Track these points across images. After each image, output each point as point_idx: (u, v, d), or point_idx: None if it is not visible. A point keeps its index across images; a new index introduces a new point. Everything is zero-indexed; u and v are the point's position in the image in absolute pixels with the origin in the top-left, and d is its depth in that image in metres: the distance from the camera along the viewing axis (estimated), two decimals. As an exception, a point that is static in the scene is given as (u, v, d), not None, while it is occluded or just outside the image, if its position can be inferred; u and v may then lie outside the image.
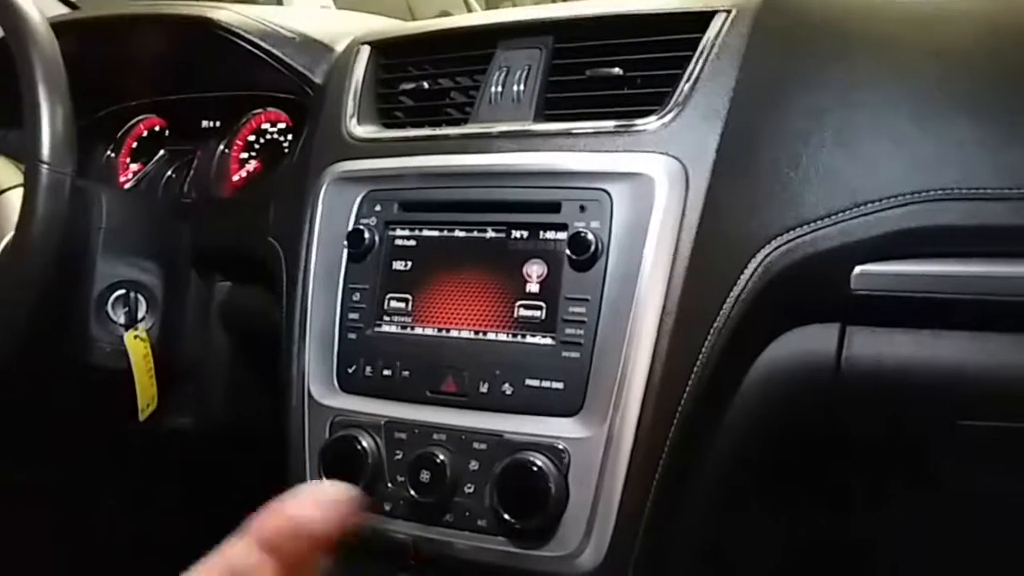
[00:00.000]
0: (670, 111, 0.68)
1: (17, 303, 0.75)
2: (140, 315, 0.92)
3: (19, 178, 0.82)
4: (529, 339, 0.68)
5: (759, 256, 0.64)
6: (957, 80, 0.65)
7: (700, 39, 0.69)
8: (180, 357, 0.97)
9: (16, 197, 0.80)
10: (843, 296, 0.63)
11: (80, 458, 1.17)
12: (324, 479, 0.70)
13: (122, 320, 0.91)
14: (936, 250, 0.62)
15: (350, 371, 0.74)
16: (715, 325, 0.64)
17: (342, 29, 0.93)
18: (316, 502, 0.28)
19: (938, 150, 0.62)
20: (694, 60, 0.69)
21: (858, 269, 0.63)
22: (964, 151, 0.61)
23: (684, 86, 0.68)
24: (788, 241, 0.63)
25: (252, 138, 1.06)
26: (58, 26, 0.81)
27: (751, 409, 0.67)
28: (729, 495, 0.71)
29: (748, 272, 0.64)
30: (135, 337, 0.90)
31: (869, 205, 0.62)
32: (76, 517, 1.20)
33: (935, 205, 0.61)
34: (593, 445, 0.64)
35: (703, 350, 0.64)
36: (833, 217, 0.63)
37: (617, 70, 0.73)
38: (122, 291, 0.91)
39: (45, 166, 0.74)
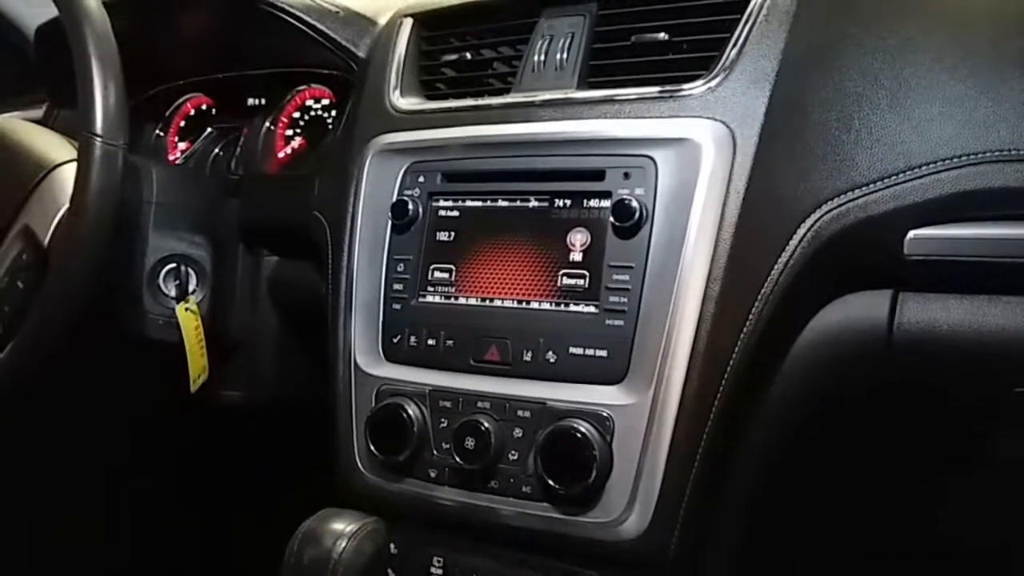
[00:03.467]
0: (717, 75, 0.67)
1: (73, 273, 0.77)
2: (191, 288, 0.94)
3: (73, 154, 0.84)
4: (572, 307, 0.67)
5: (809, 221, 0.63)
6: (1011, 40, 0.63)
7: (748, 1, 0.68)
8: (230, 330, 0.99)
9: (70, 171, 0.82)
10: (896, 261, 0.61)
11: (135, 434, 1.20)
12: (371, 445, 0.71)
13: (173, 293, 0.93)
14: (992, 213, 0.60)
15: (395, 341, 0.74)
16: (763, 292, 0.63)
17: (385, 2, 0.93)
18: None
19: (992, 111, 0.60)
20: (742, 23, 0.68)
21: (911, 234, 0.61)
22: (1019, 112, 0.59)
23: (731, 50, 0.67)
24: (839, 206, 0.62)
25: (297, 115, 1.07)
26: (110, 5, 0.83)
27: (799, 378, 0.66)
28: (775, 466, 0.71)
29: (798, 238, 0.63)
30: (186, 309, 0.92)
31: (923, 168, 0.61)
32: (128, 491, 1.24)
33: (990, 167, 0.59)
34: (637, 412, 0.63)
35: (750, 317, 0.63)
36: (886, 180, 0.61)
37: (663, 35, 0.72)
38: (173, 265, 0.93)
39: (98, 139, 0.76)
